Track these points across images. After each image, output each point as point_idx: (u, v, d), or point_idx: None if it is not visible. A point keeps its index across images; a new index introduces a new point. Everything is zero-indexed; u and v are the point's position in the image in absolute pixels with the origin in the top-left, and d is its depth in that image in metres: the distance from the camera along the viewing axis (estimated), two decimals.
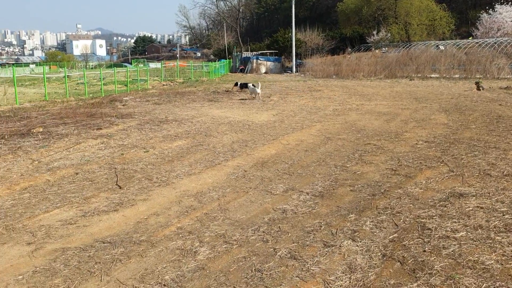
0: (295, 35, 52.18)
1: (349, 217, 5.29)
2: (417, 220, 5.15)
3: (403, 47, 48.25)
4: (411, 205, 5.68)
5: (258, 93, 19.69)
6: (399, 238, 4.65)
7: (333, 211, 5.52)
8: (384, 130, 11.17)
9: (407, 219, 5.18)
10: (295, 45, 51.54)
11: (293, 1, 51.83)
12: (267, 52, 60.11)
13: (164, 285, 3.80)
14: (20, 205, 6.00)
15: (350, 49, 53.99)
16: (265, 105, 17.32)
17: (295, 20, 50.80)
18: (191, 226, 5.15)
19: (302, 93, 22.64)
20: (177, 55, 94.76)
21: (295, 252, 4.38)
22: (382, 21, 62.10)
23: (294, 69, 49.24)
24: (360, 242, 4.59)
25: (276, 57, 56.16)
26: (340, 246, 4.51)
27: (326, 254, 4.33)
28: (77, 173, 7.56)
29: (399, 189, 6.35)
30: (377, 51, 53.16)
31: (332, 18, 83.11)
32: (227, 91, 24.67)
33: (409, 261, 4.13)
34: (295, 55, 51.17)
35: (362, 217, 5.28)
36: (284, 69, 51.55)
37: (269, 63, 52.68)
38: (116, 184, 6.93)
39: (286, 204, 5.84)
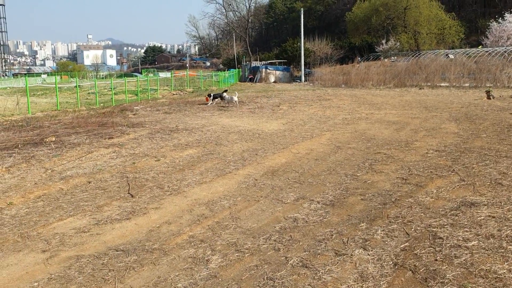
0: (304, 44, 52.37)
1: (360, 226, 5.30)
2: (429, 229, 5.15)
3: (412, 56, 48.21)
4: (422, 214, 5.68)
5: (235, 101, 20.46)
6: (411, 247, 4.65)
7: (344, 220, 5.54)
8: (394, 139, 11.16)
9: (418, 228, 5.18)
10: (304, 54, 51.71)
11: (302, 11, 52.08)
12: (276, 62, 60.38)
13: None
14: (34, 213, 6.09)
15: (359, 58, 53.99)
16: (274, 114, 17.39)
17: (303, 30, 51.00)
18: (203, 235, 5.19)
19: (311, 102, 22.69)
20: (187, 65, 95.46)
21: (307, 260, 4.40)
22: (391, 30, 62.15)
23: (303, 78, 49.36)
24: (372, 251, 4.60)
25: (285, 66, 56.36)
26: (351, 254, 4.52)
27: (337, 262, 4.35)
28: (89, 182, 7.65)
29: (410, 198, 6.35)
30: (386, 60, 53.19)
31: (340, 28, 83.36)
32: (201, 104, 22.60)
33: (421, 270, 4.13)
34: (304, 64, 51.31)
35: (373, 226, 5.29)
36: (293, 78, 51.68)
37: (278, 72, 52.88)
38: (128, 193, 7.01)
39: (297, 213, 5.86)
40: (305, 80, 48.73)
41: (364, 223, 5.39)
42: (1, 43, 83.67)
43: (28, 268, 4.39)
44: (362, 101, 22.57)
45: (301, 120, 15.46)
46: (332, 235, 5.06)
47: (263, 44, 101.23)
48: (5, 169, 8.44)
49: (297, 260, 4.42)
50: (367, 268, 4.22)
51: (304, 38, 52.26)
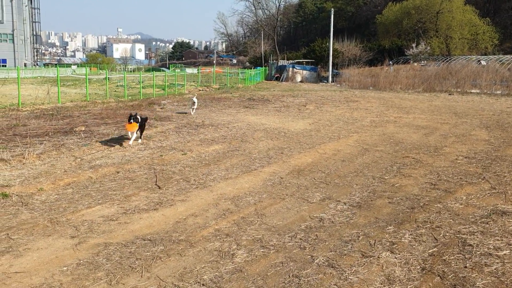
0: (332, 45, 52.00)
1: (388, 229, 5.23)
2: (458, 235, 5.05)
3: (443, 61, 47.31)
4: (451, 220, 5.57)
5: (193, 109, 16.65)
6: (439, 253, 4.57)
7: (371, 222, 5.47)
8: (423, 144, 10.98)
9: (447, 234, 5.08)
10: (332, 55, 51.34)
11: (332, 12, 51.73)
12: (303, 61, 60.13)
13: (203, 284, 3.86)
14: (63, 200, 6.22)
15: (390, 62, 53.24)
16: (300, 114, 17.32)
17: (333, 30, 50.64)
18: (228, 229, 5.21)
19: (339, 103, 22.52)
20: (214, 62, 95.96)
21: (333, 260, 4.37)
22: (422, 34, 61.13)
23: (330, 79, 49.03)
24: (399, 254, 4.53)
25: (312, 66, 56.06)
26: (378, 257, 4.47)
27: (364, 264, 4.30)
28: (118, 172, 7.77)
29: (439, 204, 6.23)
30: (415, 64, 52.34)
31: (370, 30, 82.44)
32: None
33: (450, 276, 4.05)
34: (332, 65, 50.95)
35: (400, 230, 5.21)
36: (320, 79, 51.37)
37: (305, 72, 52.66)
38: (156, 184, 7.09)
39: (323, 213, 5.82)
40: (332, 81, 48.39)
41: (392, 226, 5.32)
42: (34, 33, 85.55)
43: (57, 253, 4.49)
44: (390, 104, 22.28)
45: (328, 120, 15.36)
46: (359, 236, 5.01)
47: (291, 43, 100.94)
48: (36, 155, 8.63)
49: (323, 259, 4.39)
50: (394, 271, 4.16)
51: (333, 39, 51.88)
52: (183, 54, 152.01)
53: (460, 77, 35.76)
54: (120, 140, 10.49)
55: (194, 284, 3.87)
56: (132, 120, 9.73)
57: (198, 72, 47.83)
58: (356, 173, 7.97)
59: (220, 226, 5.31)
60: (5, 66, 66.82)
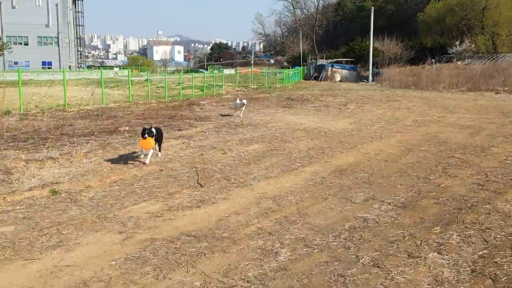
0: (372, 44, 51.18)
1: (434, 230, 5.09)
2: (510, 238, 4.85)
3: (489, 59, 45.67)
4: (501, 222, 5.37)
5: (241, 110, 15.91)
6: (490, 255, 4.41)
7: (416, 223, 5.35)
8: (469, 144, 10.62)
9: (498, 236, 4.90)
10: (372, 54, 50.52)
11: (372, 10, 50.92)
12: (342, 60, 59.46)
13: (248, 281, 3.88)
14: (110, 197, 6.40)
15: (433, 60, 51.80)
16: (341, 113, 17.13)
17: (373, 29, 49.83)
18: (271, 228, 5.21)
19: (380, 102, 22.12)
20: (251, 62, 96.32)
21: (378, 260, 4.29)
22: (467, 32, 59.23)
23: (370, 78, 48.25)
24: (447, 255, 4.40)
25: (352, 65, 55.35)
26: (425, 258, 4.36)
27: (410, 264, 4.21)
28: (161, 170, 7.92)
29: (488, 205, 6.02)
30: (459, 62, 50.77)
31: (411, 28, 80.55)
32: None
33: (503, 279, 3.90)
34: (372, 64, 50.12)
35: (448, 231, 5.07)
36: (360, 78, 50.65)
37: (344, 71, 52.05)
38: (197, 182, 7.18)
39: (367, 213, 5.73)
40: (372, 80, 47.59)
41: (438, 227, 5.18)
42: (78, 37, 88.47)
43: (106, 248, 4.62)
44: (433, 104, 21.69)
45: (369, 120, 15.12)
46: (404, 237, 4.90)
47: (330, 43, 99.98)
48: (83, 154, 8.92)
49: (368, 259, 4.32)
50: (442, 273, 4.05)
51: (373, 37, 51.05)
52: (221, 55, 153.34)
53: (508, 75, 34.38)
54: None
55: (239, 280, 3.90)
56: (147, 135, 8.00)
57: (235, 73, 48.17)
58: (400, 173, 7.81)
59: (262, 224, 5.32)
60: (51, 68, 69.49)
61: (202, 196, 6.43)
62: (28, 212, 5.66)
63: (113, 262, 4.26)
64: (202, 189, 6.83)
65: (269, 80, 42.98)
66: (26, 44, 72.33)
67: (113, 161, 8.56)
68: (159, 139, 8.82)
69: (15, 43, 68.84)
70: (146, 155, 8.43)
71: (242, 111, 15.85)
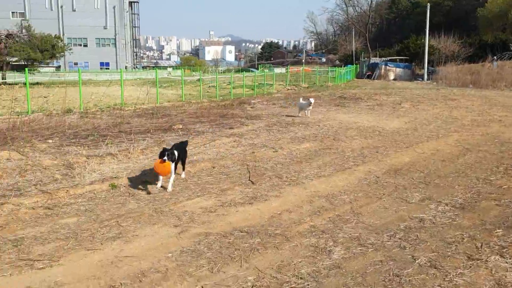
0: (428, 41, 49.50)
1: (496, 232, 4.87)
2: None
3: None
4: None
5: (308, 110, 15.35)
6: None
7: (476, 225, 5.13)
8: None
9: None
10: (428, 51, 48.87)
11: (428, 6, 49.26)
12: (396, 59, 57.91)
13: (301, 278, 3.88)
14: (165, 191, 6.57)
15: (494, 57, 49.34)
16: (395, 112, 16.70)
17: (428, 25, 48.19)
18: (324, 226, 5.17)
19: (436, 101, 21.38)
20: (302, 61, 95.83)
21: (436, 261, 4.16)
22: None
23: (425, 77, 46.70)
24: (510, 259, 4.20)
25: (406, 63, 53.80)
26: (486, 260, 4.18)
27: (470, 267, 4.05)
28: (214, 167, 8.05)
29: None
30: None
31: (470, 24, 77.19)
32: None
33: None
34: (427, 62, 48.48)
35: (511, 233, 4.83)
36: (415, 77, 49.13)
37: (398, 69, 50.70)
38: (249, 180, 7.24)
39: (423, 213, 5.57)
40: (428, 79, 46.04)
41: (500, 230, 4.94)
42: (134, 38, 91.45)
43: (162, 240, 4.76)
44: (494, 103, 20.71)
45: (425, 119, 14.64)
46: (463, 238, 4.72)
47: (383, 40, 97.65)
48: (140, 150, 9.22)
49: (425, 259, 4.20)
50: (505, 277, 3.87)
51: (428, 35, 49.39)
52: (271, 54, 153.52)
53: None
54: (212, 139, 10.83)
55: (292, 277, 3.90)
56: (167, 158, 6.34)
57: (286, 72, 48.11)
58: (458, 174, 7.52)
59: (315, 222, 5.29)
60: (108, 68, 72.31)
61: (254, 193, 6.48)
62: (89, 205, 5.93)
63: (170, 254, 4.38)
64: (254, 186, 6.88)
65: (320, 78, 42.59)
66: (86, 45, 75.57)
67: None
68: (183, 156, 7.24)
69: (75, 45, 71.99)
70: (167, 181, 6.73)
71: (309, 111, 15.34)
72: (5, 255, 4.34)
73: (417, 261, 4.17)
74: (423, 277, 3.86)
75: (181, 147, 7.26)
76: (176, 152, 6.67)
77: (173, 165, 6.56)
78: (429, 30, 48.81)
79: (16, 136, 9.86)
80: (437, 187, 6.76)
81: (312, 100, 15.35)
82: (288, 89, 32.12)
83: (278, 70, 72.21)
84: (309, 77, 46.69)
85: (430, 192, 6.49)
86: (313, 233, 4.93)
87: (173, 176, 6.72)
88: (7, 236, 4.80)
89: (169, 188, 6.63)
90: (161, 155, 6.36)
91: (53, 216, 5.50)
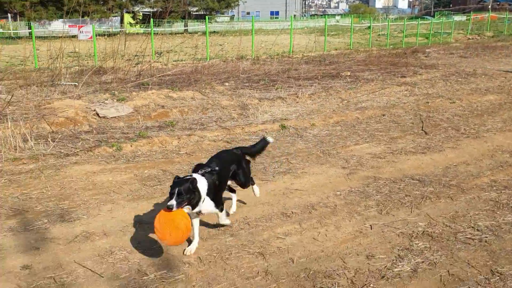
0: None
1: None
2: None
3: None
4: None
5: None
6: None
7: None
8: None
9: None
10: None
11: None
12: None
13: (478, 230, 3.63)
14: (333, 135, 6.66)
15: None
16: None
17: None
18: (506, 182, 4.71)
19: None
20: (489, 7, 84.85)
21: None
22: None
23: None
24: None
25: None
26: None
27: None
28: (383, 115, 7.83)
29: None
30: None
31: None
32: None
33: None
34: None
35: None
36: None
37: None
38: (422, 130, 6.89)
39: None
40: None
41: None
42: None
43: (331, 179, 4.87)
44: None
45: None
46: None
47: None
48: (307, 96, 9.41)
49: None
50: None
51: None
52: (450, 0, 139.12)
53: None
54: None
55: (467, 228, 3.67)
56: (174, 202, 3.11)
57: (468, 19, 43.21)
58: None
59: (496, 177, 4.84)
60: (277, 17, 73.97)
61: (427, 143, 6.15)
62: None
63: (338, 192, 4.48)
64: (427, 136, 6.53)
65: (509, 27, 37.34)
66: None
67: (334, 103, 8.85)
68: (237, 174, 3.87)
69: None
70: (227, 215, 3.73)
71: None
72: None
73: None
74: None
75: (230, 159, 3.86)
76: (204, 181, 3.34)
77: (195, 220, 3.43)
78: None
79: (198, 78, 10.86)
80: None
81: None
82: (469, 39, 29.03)
83: (458, 17, 65.29)
84: (495, 25, 41.26)
85: None
86: (494, 188, 4.53)
87: (196, 239, 3.48)
88: (194, 163, 5.43)
89: (227, 221, 3.67)
90: (171, 194, 3.17)
91: None
